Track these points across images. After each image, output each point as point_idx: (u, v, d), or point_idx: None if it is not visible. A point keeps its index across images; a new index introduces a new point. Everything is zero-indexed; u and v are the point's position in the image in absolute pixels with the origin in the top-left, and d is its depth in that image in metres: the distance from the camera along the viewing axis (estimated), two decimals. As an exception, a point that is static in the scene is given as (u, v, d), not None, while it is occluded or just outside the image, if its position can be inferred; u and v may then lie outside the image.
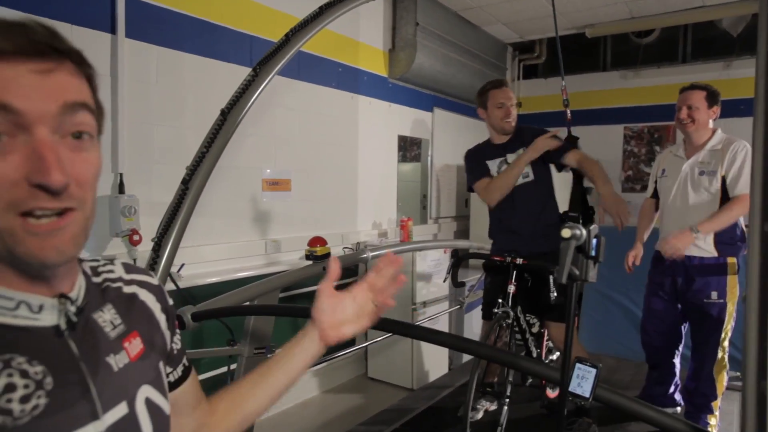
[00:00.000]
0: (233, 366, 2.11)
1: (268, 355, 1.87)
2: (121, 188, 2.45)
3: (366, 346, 3.71)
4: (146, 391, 0.70)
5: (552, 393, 2.70)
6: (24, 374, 0.56)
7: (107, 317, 0.69)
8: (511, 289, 2.47)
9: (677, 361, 2.88)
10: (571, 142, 2.63)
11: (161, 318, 0.80)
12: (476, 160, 2.74)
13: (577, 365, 0.95)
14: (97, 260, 0.78)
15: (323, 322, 0.91)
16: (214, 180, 2.85)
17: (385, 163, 4.28)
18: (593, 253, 0.78)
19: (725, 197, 2.58)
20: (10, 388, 0.55)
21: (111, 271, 0.77)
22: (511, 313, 2.46)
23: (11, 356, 0.57)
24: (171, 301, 0.84)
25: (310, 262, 2.16)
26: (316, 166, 3.57)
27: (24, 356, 0.57)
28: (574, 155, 2.53)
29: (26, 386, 0.56)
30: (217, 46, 2.88)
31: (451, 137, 5.03)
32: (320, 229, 3.46)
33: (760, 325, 0.69)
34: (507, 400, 2.33)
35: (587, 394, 0.92)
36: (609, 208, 2.30)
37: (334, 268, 0.93)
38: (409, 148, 5.11)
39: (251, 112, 3.01)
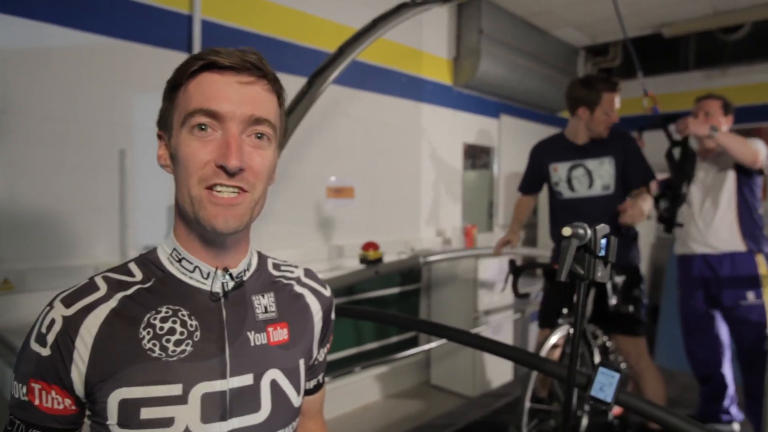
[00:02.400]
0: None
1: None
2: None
3: (428, 349, 3.73)
4: (275, 374, 0.79)
5: (616, 409, 2.58)
6: (183, 324, 0.74)
7: (264, 302, 0.82)
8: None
9: (727, 371, 2.71)
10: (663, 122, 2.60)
11: (317, 325, 0.89)
12: (538, 162, 2.63)
13: (600, 369, 0.94)
14: (285, 262, 0.93)
15: None
16: (280, 187, 3.01)
17: (449, 171, 4.29)
18: (602, 253, 0.77)
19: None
20: (171, 331, 0.73)
21: (291, 272, 0.91)
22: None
23: (179, 308, 0.75)
24: (333, 317, 0.94)
25: (364, 266, 2.22)
26: (379, 173, 3.65)
27: (187, 310, 0.75)
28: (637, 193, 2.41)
29: (182, 333, 0.74)
30: (285, 61, 3.04)
31: (519, 144, 4.93)
32: (382, 235, 3.53)
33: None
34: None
35: (609, 399, 0.90)
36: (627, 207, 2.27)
37: None
38: (479, 156, 5.08)
39: (315, 122, 3.16)
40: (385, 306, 3.62)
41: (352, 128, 3.46)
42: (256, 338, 0.78)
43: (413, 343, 3.80)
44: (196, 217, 0.72)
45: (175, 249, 0.78)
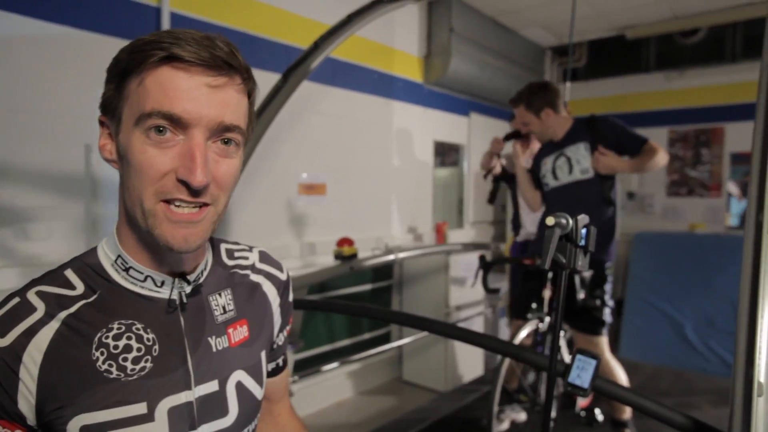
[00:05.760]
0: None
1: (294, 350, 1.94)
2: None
3: (400, 346, 3.75)
4: (239, 376, 0.76)
5: (583, 401, 2.64)
6: (139, 339, 0.68)
7: (221, 302, 0.77)
8: (547, 294, 2.43)
9: None
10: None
11: (276, 311, 0.86)
12: (535, 162, 2.71)
13: (578, 356, 0.97)
14: (238, 244, 0.85)
15: None
16: (251, 184, 2.98)
17: (420, 168, 4.32)
18: (582, 242, 0.79)
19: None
20: (128, 349, 0.66)
21: (246, 258, 0.85)
22: (546, 319, 2.42)
23: (133, 322, 0.68)
24: (291, 298, 0.90)
25: (338, 262, 2.22)
26: (351, 170, 3.65)
27: (142, 324, 0.68)
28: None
29: (139, 350, 0.67)
30: (256, 56, 3.00)
31: (488, 142, 4.99)
32: (355, 232, 3.53)
33: (750, 314, 0.69)
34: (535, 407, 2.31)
35: (586, 385, 0.93)
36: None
37: None
38: (448, 153, 5.14)
39: (288, 118, 3.14)
40: (357, 302, 3.62)
41: (323, 125, 3.45)
42: (217, 343, 0.74)
43: (385, 339, 3.82)
44: (149, 232, 0.64)
45: (120, 256, 0.70)
